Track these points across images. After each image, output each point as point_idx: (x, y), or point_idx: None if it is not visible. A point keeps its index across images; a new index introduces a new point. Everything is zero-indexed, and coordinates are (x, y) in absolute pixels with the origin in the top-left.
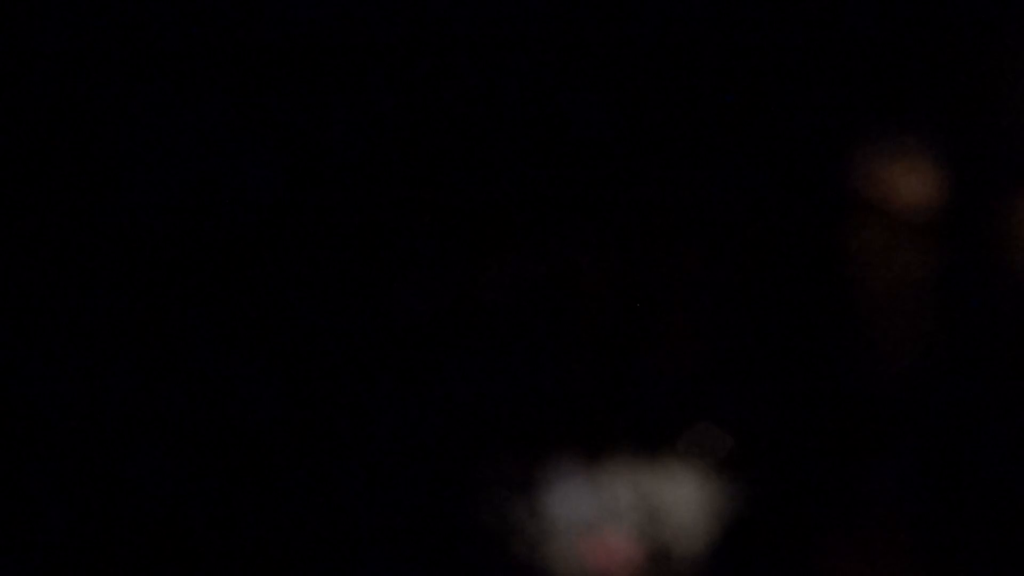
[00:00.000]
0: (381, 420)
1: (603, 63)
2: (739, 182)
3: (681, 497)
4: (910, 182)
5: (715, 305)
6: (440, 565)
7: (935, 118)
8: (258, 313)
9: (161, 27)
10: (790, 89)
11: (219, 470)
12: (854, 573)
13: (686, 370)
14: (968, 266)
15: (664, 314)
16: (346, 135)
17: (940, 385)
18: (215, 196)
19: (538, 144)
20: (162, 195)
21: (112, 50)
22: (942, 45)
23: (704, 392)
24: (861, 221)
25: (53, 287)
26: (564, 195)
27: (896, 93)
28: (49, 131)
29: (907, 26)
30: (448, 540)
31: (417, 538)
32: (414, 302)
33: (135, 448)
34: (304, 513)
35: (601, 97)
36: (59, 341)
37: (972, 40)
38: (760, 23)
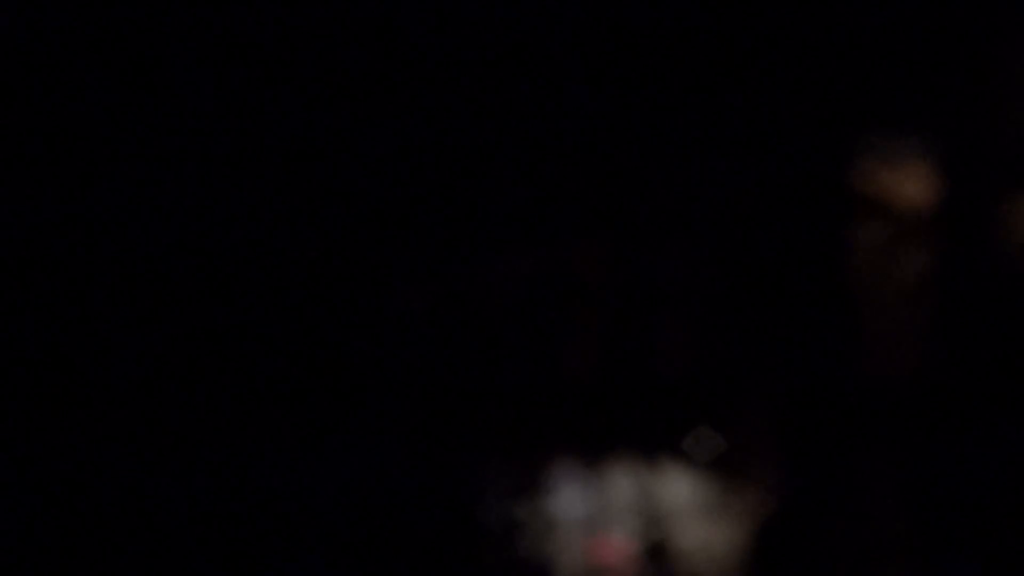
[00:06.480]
0: (382, 419)
1: (603, 63)
2: (740, 183)
3: (680, 496)
4: (910, 182)
5: (715, 305)
6: (442, 564)
7: (935, 118)
8: (258, 312)
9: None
10: (791, 89)
11: (218, 469)
12: (853, 572)
13: (686, 370)
14: (968, 266)
15: (664, 314)
16: (345, 131)
17: (939, 384)
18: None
19: (538, 143)
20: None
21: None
22: (942, 45)
23: (704, 392)
24: (861, 221)
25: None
26: (563, 195)
27: (897, 93)
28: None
29: (907, 26)
30: (449, 539)
31: (418, 537)
32: (414, 301)
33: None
34: (305, 512)
35: (601, 97)
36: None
37: (972, 40)
38: (761, 23)
